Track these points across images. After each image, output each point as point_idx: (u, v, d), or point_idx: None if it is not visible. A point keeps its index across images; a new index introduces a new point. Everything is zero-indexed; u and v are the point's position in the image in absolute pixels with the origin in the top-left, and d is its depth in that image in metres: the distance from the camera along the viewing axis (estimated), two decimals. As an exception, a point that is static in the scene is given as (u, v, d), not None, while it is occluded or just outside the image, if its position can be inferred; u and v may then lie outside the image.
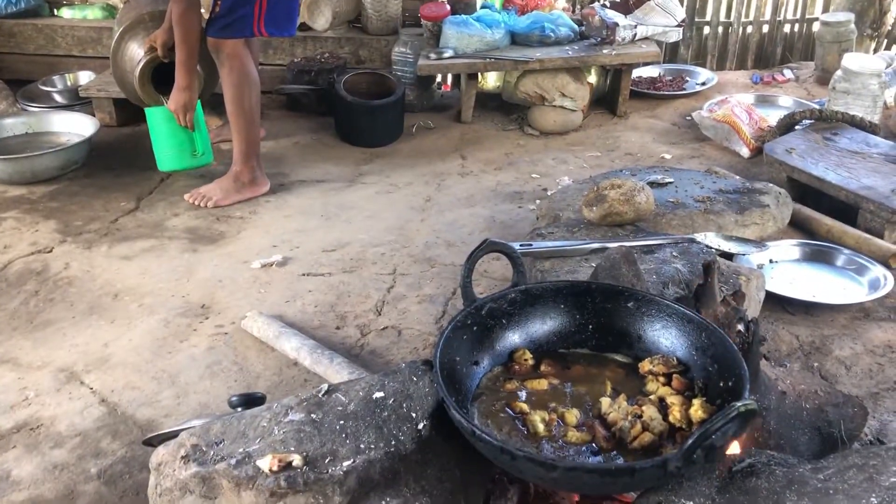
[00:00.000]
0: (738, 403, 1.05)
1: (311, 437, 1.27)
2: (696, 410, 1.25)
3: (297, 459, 1.22)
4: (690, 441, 1.05)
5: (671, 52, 4.38)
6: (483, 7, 3.81)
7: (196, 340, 2.15)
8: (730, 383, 1.27)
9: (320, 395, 1.34)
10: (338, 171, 3.19)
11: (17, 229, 2.73)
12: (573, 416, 1.27)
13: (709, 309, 1.61)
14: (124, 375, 2.01)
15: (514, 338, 1.43)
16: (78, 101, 3.60)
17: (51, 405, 1.91)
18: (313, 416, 1.30)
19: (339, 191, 3.02)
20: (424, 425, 1.27)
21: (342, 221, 2.76)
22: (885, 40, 4.24)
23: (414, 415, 1.29)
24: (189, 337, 2.17)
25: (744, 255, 2.15)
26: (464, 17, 3.59)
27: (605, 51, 3.58)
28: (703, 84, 4.05)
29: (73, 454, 1.75)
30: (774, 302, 2.18)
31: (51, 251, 2.60)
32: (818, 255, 2.40)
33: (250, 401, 1.60)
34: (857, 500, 1.03)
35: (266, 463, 1.22)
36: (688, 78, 4.15)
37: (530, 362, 1.41)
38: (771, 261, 2.37)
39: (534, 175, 3.17)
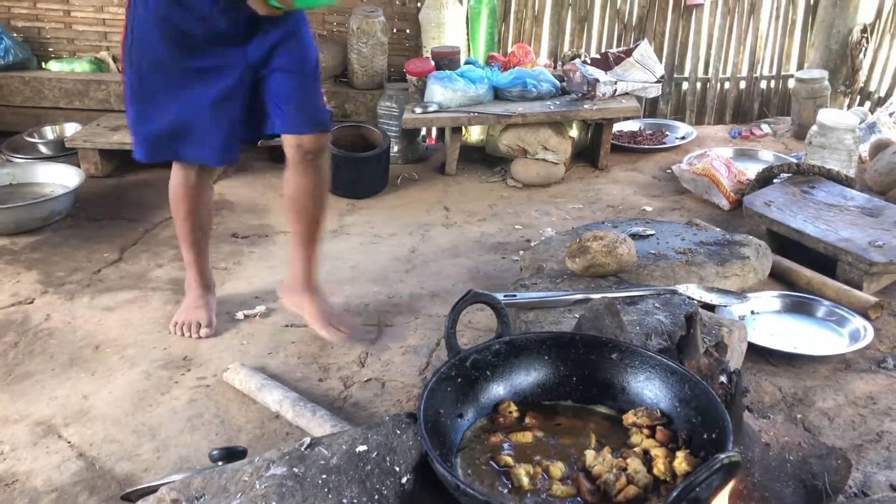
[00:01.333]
0: (722, 455, 1.05)
1: (294, 491, 1.25)
2: (681, 463, 1.25)
3: (278, 515, 1.21)
4: (674, 494, 1.05)
5: (651, 107, 4.47)
6: (467, 63, 3.88)
7: (177, 393, 2.13)
8: (713, 435, 1.27)
9: (302, 449, 1.33)
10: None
11: (-3, 280, 2.72)
12: (558, 469, 1.26)
13: (692, 360, 1.62)
14: (103, 429, 1.98)
15: (498, 389, 1.42)
16: (63, 152, 3.61)
17: (27, 460, 1.88)
18: (295, 470, 1.29)
19: (322, 241, 3.02)
20: (408, 479, 1.26)
21: (326, 272, 2.76)
22: (858, 96, 4.34)
23: (397, 469, 1.28)
24: (170, 389, 2.14)
25: (725, 306, 2.17)
26: (448, 72, 3.65)
27: (586, 106, 3.65)
28: (683, 138, 4.12)
29: (49, 511, 1.72)
30: (756, 353, 2.19)
31: (32, 302, 2.58)
32: (799, 307, 2.43)
33: (231, 454, 1.58)
34: (843, 554, 1.03)
35: (247, 519, 1.20)
36: (667, 132, 4.22)
37: (515, 415, 1.40)
38: (752, 312, 2.39)
39: (517, 226, 3.19)
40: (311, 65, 2.20)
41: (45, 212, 3.07)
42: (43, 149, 3.73)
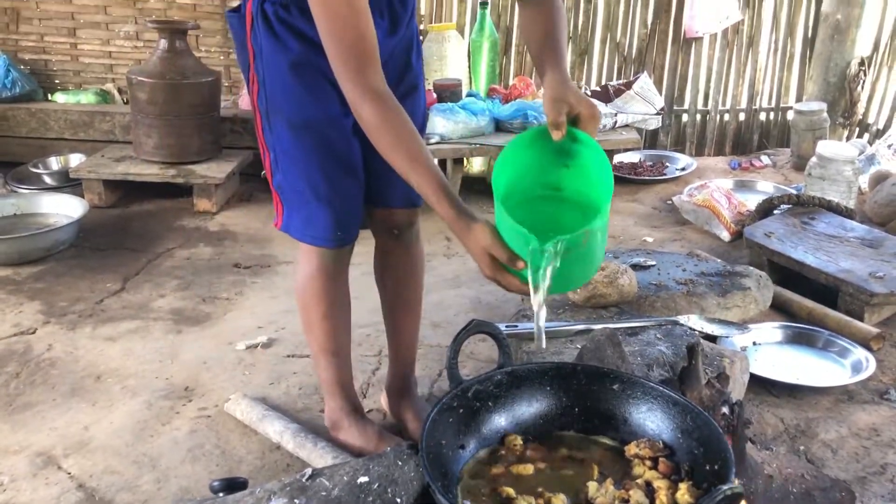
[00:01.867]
0: (724, 487, 1.05)
1: (295, 523, 1.25)
2: (683, 494, 1.24)
3: (279, 547, 1.20)
4: (678, 526, 1.05)
5: (651, 139, 4.50)
6: (469, 95, 3.92)
7: (178, 423, 2.12)
8: (716, 466, 1.26)
9: (304, 480, 1.33)
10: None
11: (0, 310, 2.72)
12: (560, 501, 1.25)
13: (693, 391, 1.62)
14: (104, 459, 1.98)
15: (500, 420, 1.42)
16: (68, 182, 3.64)
17: (26, 491, 1.87)
18: (297, 501, 1.29)
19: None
20: (409, 510, 1.26)
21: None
22: (857, 128, 4.38)
23: (399, 500, 1.28)
24: (171, 420, 2.14)
25: (727, 337, 2.17)
26: (450, 104, 3.69)
27: (587, 137, 3.67)
28: (683, 169, 4.15)
29: (48, 543, 1.71)
30: (758, 384, 2.19)
31: (34, 332, 2.58)
32: (800, 338, 2.43)
33: (232, 486, 1.57)
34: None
35: (247, 551, 1.20)
36: (668, 163, 4.25)
37: (520, 448, 1.40)
38: (754, 343, 2.39)
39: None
40: (421, 123, 1.89)
41: (48, 242, 3.09)
42: (48, 179, 3.76)
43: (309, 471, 1.35)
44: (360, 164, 1.76)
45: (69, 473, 1.93)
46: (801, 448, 1.96)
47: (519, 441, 1.40)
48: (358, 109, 1.41)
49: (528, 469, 1.32)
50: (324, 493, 1.29)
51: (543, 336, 1.33)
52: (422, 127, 1.90)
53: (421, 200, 1.83)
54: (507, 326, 1.92)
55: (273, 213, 1.84)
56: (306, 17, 1.53)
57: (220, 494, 1.52)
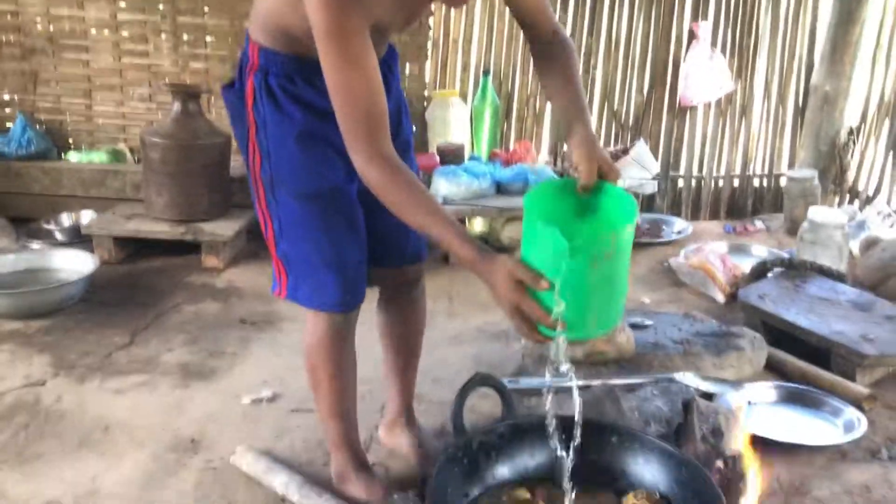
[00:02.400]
0: (718, 532, 1.11)
1: (305, 567, 1.29)
2: (679, 543, 1.29)
3: (290, 589, 1.24)
4: (673, 570, 1.10)
5: (648, 203, 4.61)
6: (471, 159, 4.05)
7: (185, 475, 2.16)
8: (710, 517, 1.32)
9: (314, 526, 1.38)
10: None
11: (10, 362, 2.77)
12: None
13: (689, 445, 1.68)
14: (111, 510, 2.02)
15: (503, 471, 1.48)
16: (79, 238, 3.72)
17: (35, 540, 1.90)
18: (307, 546, 1.33)
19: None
20: (416, 556, 1.30)
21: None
22: (848, 195, 4.50)
23: (406, 546, 1.33)
24: (178, 472, 2.18)
25: (722, 394, 2.23)
26: (453, 167, 3.81)
27: (585, 200, 3.78)
28: (679, 233, 4.25)
29: (56, 591, 1.74)
30: (754, 443, 2.23)
31: (44, 384, 2.63)
32: (794, 397, 2.48)
33: (241, 534, 1.61)
34: None
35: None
36: (664, 227, 4.35)
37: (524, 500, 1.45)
38: (749, 402, 2.44)
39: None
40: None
41: (58, 296, 3.16)
42: (59, 235, 3.84)
43: (319, 516, 1.39)
44: (363, 229, 1.83)
45: (77, 523, 1.97)
46: (796, 505, 2.00)
47: (526, 495, 1.45)
48: (366, 173, 1.48)
49: (530, 518, 1.38)
50: (333, 539, 1.34)
51: (563, 354, 1.41)
52: None
53: (426, 254, 1.98)
54: (509, 381, 1.99)
55: (274, 282, 1.89)
56: (312, 87, 1.63)
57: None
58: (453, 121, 4.19)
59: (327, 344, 1.87)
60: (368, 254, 1.87)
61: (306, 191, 1.72)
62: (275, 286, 1.89)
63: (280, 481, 2.07)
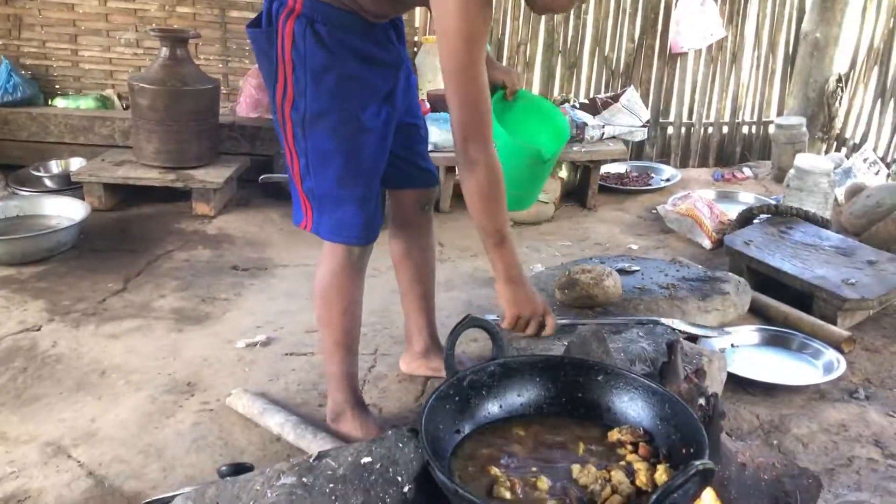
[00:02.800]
0: (697, 462, 1.16)
1: (303, 499, 1.34)
2: (661, 475, 1.35)
3: (289, 520, 1.30)
4: (654, 497, 1.16)
5: (637, 150, 4.63)
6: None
7: (182, 416, 2.21)
8: (691, 450, 1.37)
9: (311, 461, 1.43)
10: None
11: (5, 308, 2.80)
12: (543, 483, 1.35)
13: (673, 385, 1.73)
14: (111, 449, 2.06)
15: (493, 407, 1.53)
16: (69, 185, 3.72)
17: (38, 478, 1.95)
18: (304, 479, 1.38)
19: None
20: (409, 488, 1.36)
21: (324, 304, 2.87)
22: (835, 142, 4.53)
23: (399, 478, 1.38)
24: (175, 413, 2.23)
25: (707, 337, 2.28)
26: (444, 114, 3.80)
27: (574, 148, 3.80)
28: (668, 180, 4.28)
29: (61, 526, 1.79)
30: (736, 383, 2.31)
31: (39, 329, 2.67)
32: (776, 340, 2.55)
33: (240, 470, 1.66)
34: (806, 552, 1.13)
35: (259, 524, 1.29)
36: (653, 174, 4.38)
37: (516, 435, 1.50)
38: (732, 345, 2.51)
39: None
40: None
41: (51, 243, 3.17)
42: (48, 182, 3.84)
43: (316, 452, 1.45)
44: (384, 167, 1.93)
45: (78, 462, 2.02)
46: (775, 442, 2.07)
47: (521, 432, 1.49)
48: (473, 170, 1.69)
49: (516, 449, 1.43)
50: (329, 472, 1.39)
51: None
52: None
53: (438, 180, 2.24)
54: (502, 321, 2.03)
55: (298, 215, 1.97)
56: (361, 37, 1.78)
57: (227, 478, 1.62)
58: (443, 67, 4.17)
59: (343, 277, 1.96)
60: (391, 178, 2.02)
61: (339, 129, 1.81)
62: (299, 219, 1.97)
63: (276, 422, 2.12)
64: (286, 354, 2.54)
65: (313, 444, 1.99)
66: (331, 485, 1.37)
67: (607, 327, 2.01)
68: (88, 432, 2.14)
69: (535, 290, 1.83)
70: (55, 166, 3.94)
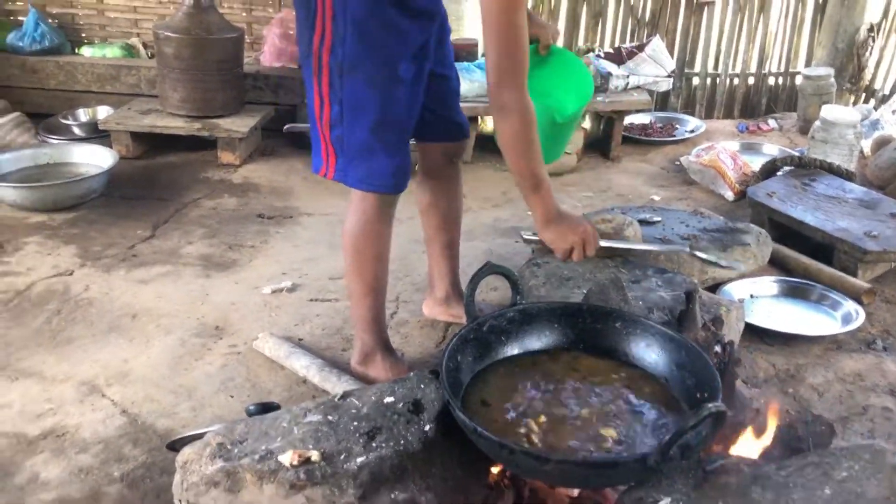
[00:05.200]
0: (710, 405, 1.19)
1: (328, 436, 1.40)
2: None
3: (315, 455, 1.36)
4: (667, 438, 1.20)
5: (662, 101, 4.59)
6: (484, 54, 4.01)
7: (211, 359, 2.29)
8: (705, 394, 1.41)
9: (336, 400, 1.48)
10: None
11: (38, 253, 2.88)
12: (566, 424, 1.40)
13: (690, 332, 1.76)
14: (143, 389, 2.14)
15: (512, 352, 1.57)
16: (96, 134, 3.77)
17: (75, 415, 2.04)
18: (329, 417, 1.44)
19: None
20: (431, 427, 1.41)
21: (348, 252, 2.91)
22: (863, 94, 4.46)
23: (421, 417, 1.43)
24: (204, 356, 2.30)
25: (722, 266, 2.31)
26: (466, 63, 3.79)
27: (598, 98, 3.78)
28: (692, 132, 4.25)
29: (97, 459, 1.88)
30: (753, 334, 2.33)
31: (71, 274, 2.74)
32: (795, 291, 2.56)
33: (267, 409, 1.73)
34: (813, 492, 1.17)
35: (287, 458, 1.35)
36: (677, 125, 4.35)
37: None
38: (751, 296, 2.53)
39: (529, 212, 3.32)
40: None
41: (81, 190, 3.24)
42: (77, 130, 3.89)
43: (341, 391, 1.50)
44: (416, 115, 1.96)
45: (112, 401, 2.10)
46: (790, 390, 2.10)
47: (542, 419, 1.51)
48: (508, 115, 1.71)
49: (537, 387, 1.48)
50: (354, 411, 1.45)
51: None
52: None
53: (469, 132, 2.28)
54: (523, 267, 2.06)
55: (319, 162, 1.98)
56: None
57: (255, 416, 1.68)
58: (466, 16, 4.14)
59: (375, 225, 2.00)
60: (421, 130, 2.04)
61: (375, 78, 1.83)
62: (318, 166, 1.99)
63: (301, 364, 2.19)
64: (311, 300, 2.60)
65: (338, 385, 2.05)
66: (354, 423, 1.42)
67: (626, 276, 2.03)
68: (121, 372, 2.22)
69: (571, 214, 1.88)
70: (83, 114, 3.99)
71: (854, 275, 2.59)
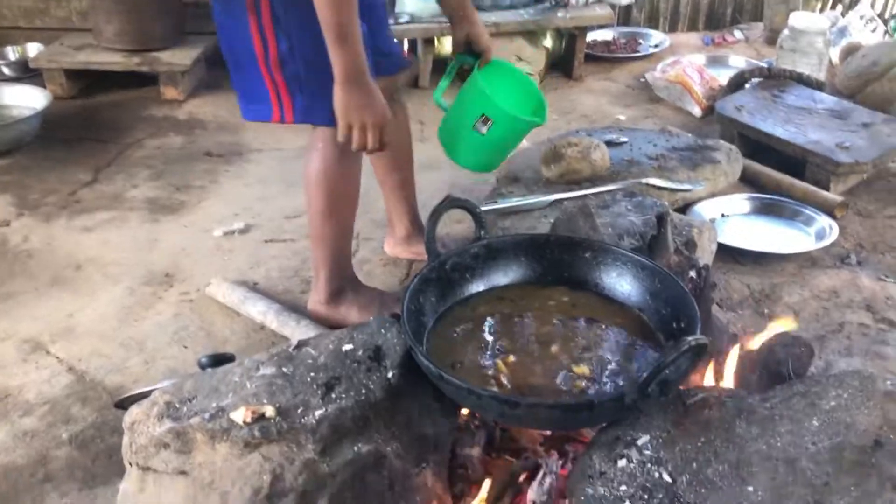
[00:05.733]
0: (690, 338, 1.11)
1: (283, 389, 1.30)
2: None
3: (269, 411, 1.25)
4: (645, 375, 1.11)
5: (624, 15, 4.42)
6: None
7: (161, 308, 2.17)
8: (682, 324, 1.33)
9: (290, 350, 1.38)
10: (294, 139, 3.18)
11: (-29, 204, 2.70)
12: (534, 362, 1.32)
13: (662, 258, 1.68)
14: (91, 344, 2.03)
15: (477, 289, 1.47)
16: (27, 73, 3.53)
17: (17, 375, 1.92)
18: (284, 369, 1.34)
19: (297, 159, 2.98)
20: (393, 374, 1.31)
21: (302, 188, 2.77)
22: (830, 0, 4.33)
23: (383, 365, 1.33)
24: (154, 305, 2.18)
25: (683, 190, 2.24)
26: (417, -19, 3.58)
27: (559, 14, 3.61)
28: (656, 46, 4.10)
29: (43, 421, 1.77)
30: (726, 254, 2.26)
31: (8, 225, 2.57)
32: (768, 209, 2.49)
33: (220, 361, 1.62)
34: (800, 424, 1.11)
35: (239, 415, 1.25)
36: (641, 41, 4.20)
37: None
38: (722, 215, 2.45)
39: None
40: None
41: (13, 133, 3.03)
42: (5, 70, 3.64)
43: (295, 341, 1.39)
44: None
45: (58, 358, 1.98)
46: (766, 311, 2.05)
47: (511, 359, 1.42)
48: None
49: (503, 326, 1.39)
50: (310, 361, 1.34)
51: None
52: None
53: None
54: (486, 203, 1.96)
55: (267, 110, 1.79)
56: None
57: (209, 369, 1.58)
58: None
59: (351, 163, 1.86)
60: None
61: None
62: (265, 113, 1.80)
63: (257, 310, 2.08)
64: (265, 241, 2.47)
65: (297, 330, 1.96)
66: (311, 373, 1.32)
67: (594, 203, 1.93)
68: (66, 328, 2.09)
69: (379, 94, 1.65)
70: (11, 53, 3.73)
71: (826, 188, 2.53)
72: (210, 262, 2.36)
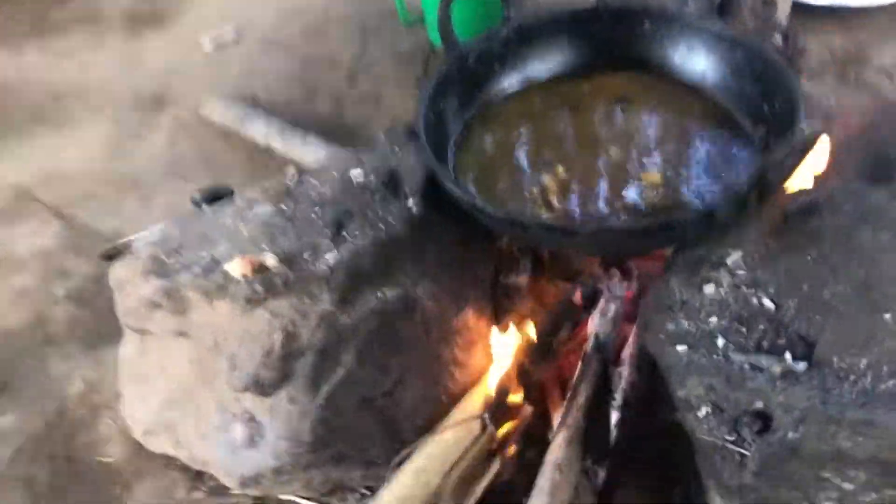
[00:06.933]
0: (802, 126, 0.83)
1: (285, 231, 1.07)
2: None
3: (270, 259, 1.03)
4: (745, 182, 0.85)
5: None
6: None
7: (154, 137, 1.93)
8: (776, 105, 1.04)
9: (288, 183, 1.13)
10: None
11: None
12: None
13: (738, 24, 1.36)
14: (80, 185, 1.81)
15: (511, 87, 1.18)
16: None
17: (2, 226, 1.73)
18: (283, 206, 1.11)
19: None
20: (414, 202, 1.07)
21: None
22: None
23: (405, 190, 1.08)
24: (146, 134, 1.94)
25: None
26: None
27: None
28: None
29: (36, 277, 1.60)
30: (798, 10, 1.90)
31: (-27, 58, 2.30)
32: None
33: (216, 196, 1.39)
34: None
35: (236, 268, 1.03)
36: None
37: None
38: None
39: None
40: None
41: (-34, -50, 2.66)
42: None
43: (292, 171, 1.15)
44: None
45: (45, 204, 1.78)
46: (853, 76, 1.73)
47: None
48: None
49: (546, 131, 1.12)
50: (313, 195, 1.10)
51: None
52: None
53: None
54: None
55: None
56: None
57: (203, 206, 1.35)
58: None
59: None
60: None
61: None
62: None
63: (259, 129, 1.83)
64: (261, 47, 2.17)
65: (304, 150, 1.71)
66: (316, 209, 1.08)
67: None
68: (52, 169, 1.87)
69: None
70: None
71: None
72: (202, 79, 2.08)
